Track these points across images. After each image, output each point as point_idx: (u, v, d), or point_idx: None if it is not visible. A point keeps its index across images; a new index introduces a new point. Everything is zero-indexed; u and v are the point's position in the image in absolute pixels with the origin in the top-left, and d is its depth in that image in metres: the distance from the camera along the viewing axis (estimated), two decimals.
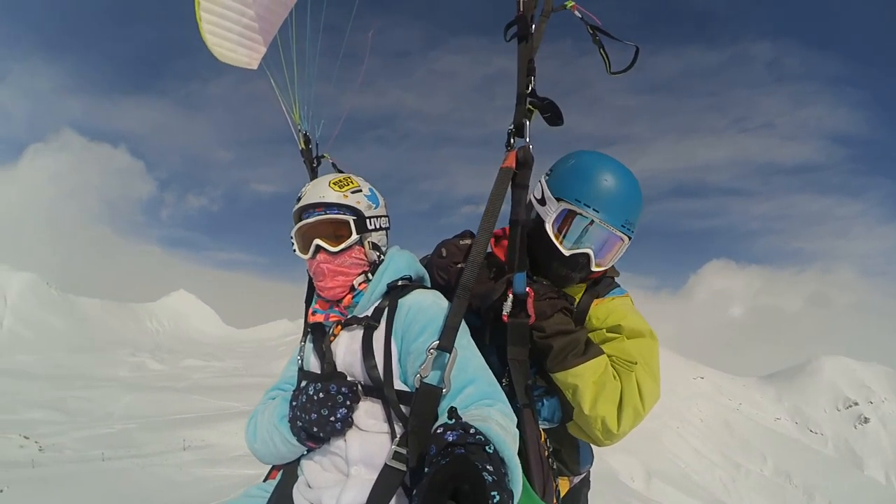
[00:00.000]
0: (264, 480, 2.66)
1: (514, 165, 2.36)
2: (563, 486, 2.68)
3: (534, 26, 2.50)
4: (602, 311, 2.61)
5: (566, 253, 2.56)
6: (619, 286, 2.77)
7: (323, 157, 3.62)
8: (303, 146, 3.64)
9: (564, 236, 2.59)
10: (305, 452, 2.42)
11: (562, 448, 2.63)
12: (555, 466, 2.54)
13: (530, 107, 2.44)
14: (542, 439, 2.40)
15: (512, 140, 2.44)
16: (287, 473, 2.49)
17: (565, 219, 2.59)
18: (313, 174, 3.61)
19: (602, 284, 2.72)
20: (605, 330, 2.56)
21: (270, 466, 2.68)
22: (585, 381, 2.32)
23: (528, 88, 2.44)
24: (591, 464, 2.85)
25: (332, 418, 2.16)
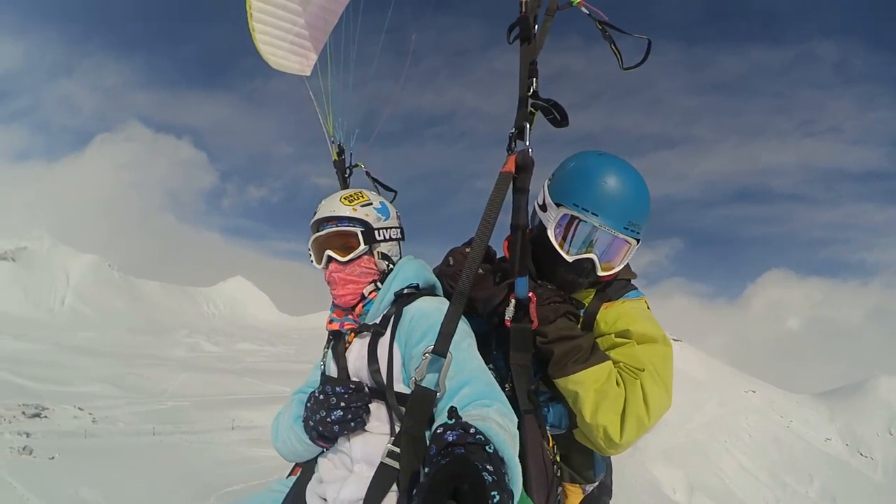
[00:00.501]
0: (287, 476, 2.85)
1: (513, 169, 2.36)
2: (575, 493, 2.65)
3: (537, 27, 2.50)
4: (611, 315, 2.60)
5: (569, 259, 2.56)
6: (634, 289, 2.76)
7: (357, 166, 3.73)
8: (335, 157, 3.78)
9: (568, 242, 2.59)
10: (322, 451, 2.58)
11: (571, 454, 2.62)
12: (559, 473, 2.52)
13: (532, 109, 2.44)
14: (550, 445, 2.44)
15: (513, 143, 2.44)
16: (306, 470, 2.70)
17: (567, 225, 2.58)
18: (344, 184, 3.75)
19: (614, 287, 2.71)
20: (613, 335, 2.55)
21: (293, 464, 2.85)
22: (586, 388, 2.33)
23: (529, 91, 2.44)
24: (605, 472, 2.81)
25: (329, 419, 2.31)
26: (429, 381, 2.11)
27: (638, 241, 2.60)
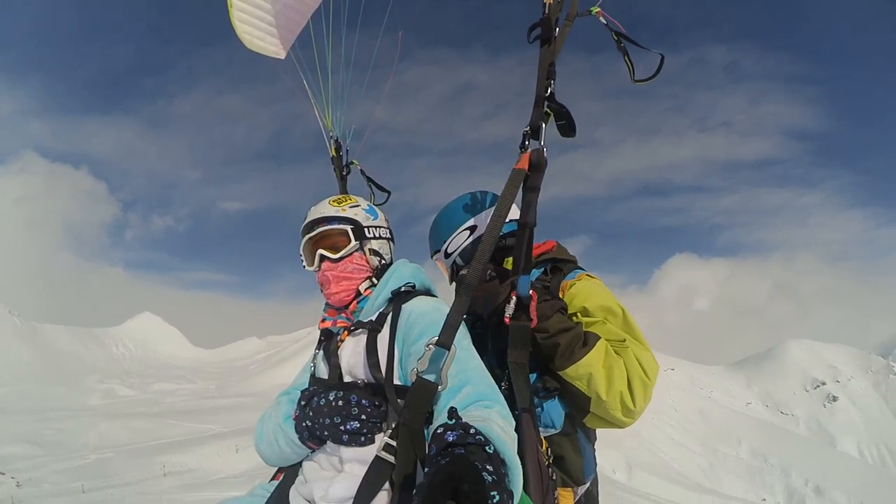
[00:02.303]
0: (269, 481, 2.75)
1: (526, 167, 2.36)
2: (567, 498, 2.62)
3: (557, 30, 2.49)
4: (566, 298, 2.64)
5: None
6: (577, 268, 2.82)
7: (352, 163, 3.73)
8: (333, 153, 3.76)
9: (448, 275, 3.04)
10: (308, 454, 2.49)
11: (564, 455, 2.60)
12: (554, 477, 2.50)
13: (548, 110, 2.43)
14: (543, 447, 2.40)
15: (527, 142, 2.44)
16: (289, 474, 2.58)
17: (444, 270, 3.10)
18: (342, 182, 3.73)
19: (555, 278, 2.75)
20: (577, 314, 2.60)
21: (276, 468, 2.76)
22: (596, 367, 2.35)
23: (547, 91, 2.44)
24: (595, 472, 2.80)
25: (343, 428, 2.22)
26: (430, 374, 2.06)
27: (461, 232, 2.99)
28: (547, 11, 2.48)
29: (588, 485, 2.72)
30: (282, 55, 3.92)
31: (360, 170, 3.66)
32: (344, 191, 3.75)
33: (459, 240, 3.00)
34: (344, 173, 3.74)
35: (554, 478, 2.47)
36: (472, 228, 2.99)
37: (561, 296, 2.64)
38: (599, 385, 2.33)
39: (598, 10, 2.52)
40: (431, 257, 3.11)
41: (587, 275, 2.74)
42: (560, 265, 2.79)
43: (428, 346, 2.09)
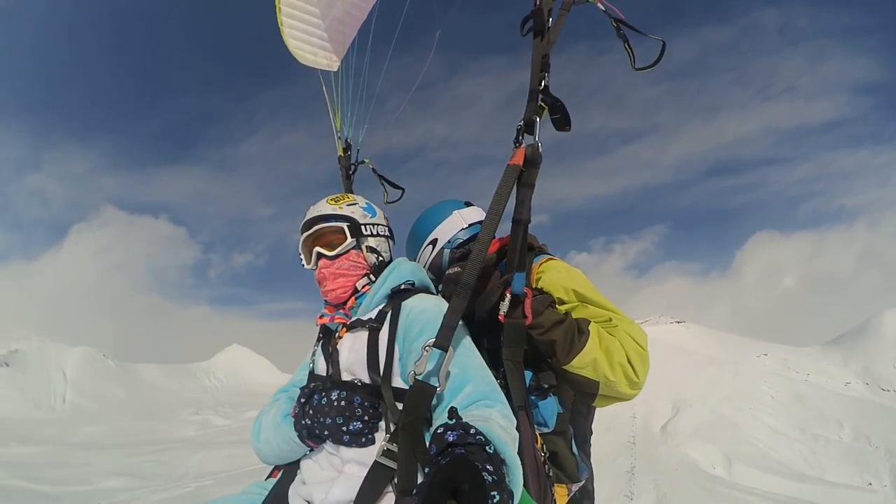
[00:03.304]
0: (266, 479, 2.75)
1: (521, 163, 2.37)
2: (561, 494, 2.67)
3: (552, 21, 2.51)
4: (540, 286, 2.66)
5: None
6: (537, 255, 2.83)
7: (363, 162, 3.86)
8: (340, 153, 3.88)
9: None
10: (307, 452, 2.49)
11: (559, 453, 2.65)
12: (551, 474, 2.55)
13: (542, 104, 2.45)
14: (539, 444, 2.44)
15: (521, 137, 2.47)
16: (287, 472, 2.59)
17: None
18: (348, 182, 3.88)
19: (528, 262, 2.73)
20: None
21: (272, 466, 2.78)
22: (597, 351, 2.36)
23: (541, 85, 2.46)
24: (589, 471, 2.86)
25: (345, 428, 2.23)
26: (428, 376, 2.10)
27: (424, 247, 3.25)
28: (539, 3, 2.51)
29: (583, 481, 2.80)
30: (335, 67, 4.02)
31: (372, 168, 3.78)
32: (349, 190, 3.90)
33: (425, 255, 3.21)
34: (350, 172, 3.87)
35: (551, 474, 2.55)
36: (434, 242, 3.19)
37: (533, 284, 2.66)
38: (605, 368, 2.37)
39: None
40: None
41: (549, 259, 2.76)
42: (532, 250, 2.81)
43: (425, 348, 2.12)
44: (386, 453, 2.13)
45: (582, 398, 2.53)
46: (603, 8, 2.55)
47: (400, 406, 2.18)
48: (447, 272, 2.86)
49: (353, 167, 3.87)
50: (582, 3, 2.57)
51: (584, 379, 2.40)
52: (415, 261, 3.13)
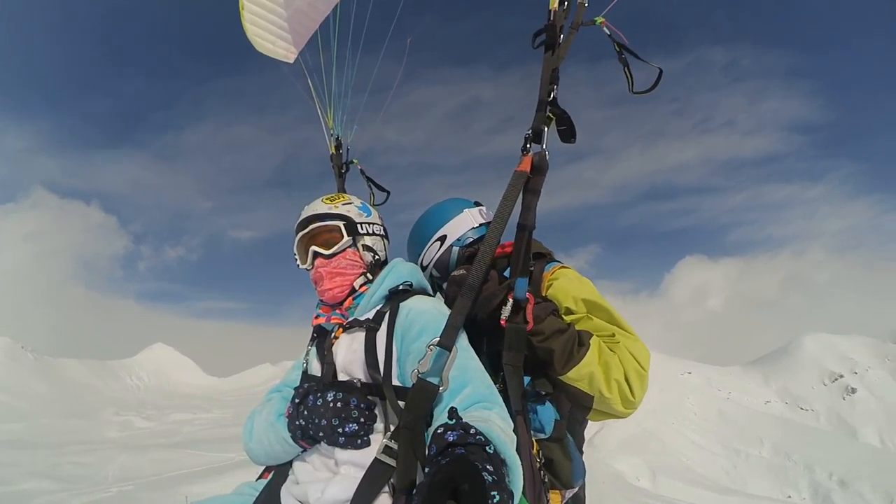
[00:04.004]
0: (257, 479, 2.71)
1: (528, 170, 2.41)
2: (555, 500, 2.64)
3: (562, 37, 2.56)
4: (550, 296, 2.66)
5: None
6: (549, 262, 2.84)
7: (352, 162, 3.79)
8: (333, 151, 3.82)
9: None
10: (299, 453, 2.47)
11: (554, 459, 2.61)
12: (546, 480, 2.53)
13: (550, 115, 2.49)
14: (535, 450, 2.41)
15: (528, 145, 2.49)
16: (278, 473, 2.55)
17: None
18: (341, 180, 3.81)
19: (536, 270, 2.75)
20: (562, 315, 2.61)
21: (264, 467, 2.74)
22: (595, 366, 2.36)
23: (550, 96, 2.49)
24: (584, 478, 2.83)
25: (341, 430, 2.21)
26: (431, 375, 2.08)
27: (431, 244, 3.17)
28: (552, 18, 2.55)
29: (576, 489, 2.76)
30: (291, 59, 4.01)
31: (360, 169, 3.74)
32: (342, 189, 3.84)
33: (432, 251, 3.16)
34: (343, 171, 3.81)
35: (546, 480, 2.50)
36: (443, 238, 3.15)
37: (543, 291, 2.67)
38: (601, 383, 2.36)
39: (603, 20, 2.63)
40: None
41: (561, 267, 2.77)
42: (542, 258, 2.82)
43: (429, 346, 2.11)
44: (386, 451, 2.13)
45: (577, 410, 2.57)
46: (608, 32, 2.63)
47: (401, 403, 2.18)
48: (452, 273, 2.77)
49: (345, 166, 3.83)
50: (590, 25, 2.64)
51: (579, 391, 2.42)
52: (417, 256, 3.19)
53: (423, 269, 3.16)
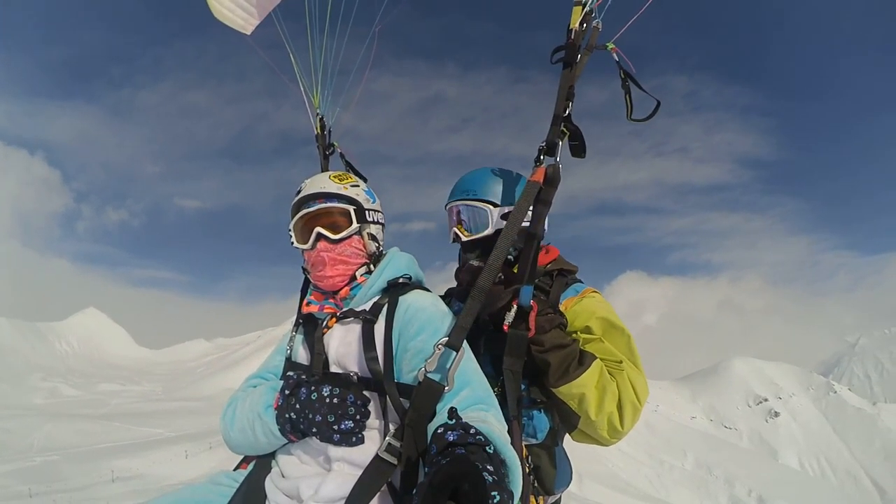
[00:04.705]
0: (235, 469, 2.61)
1: (541, 180, 2.44)
2: None
3: (578, 56, 2.60)
4: (570, 315, 2.63)
5: (451, 241, 2.93)
6: (577, 282, 2.83)
7: (334, 145, 3.67)
8: (318, 131, 3.69)
9: (449, 232, 2.96)
10: (285, 445, 2.40)
11: (541, 466, 2.62)
12: (535, 484, 2.57)
13: (564, 129, 2.53)
14: (525, 455, 2.44)
15: (542, 157, 2.53)
16: (260, 465, 2.45)
17: (448, 220, 2.98)
18: (325, 160, 3.68)
19: (557, 284, 2.76)
20: (577, 332, 2.60)
21: (242, 456, 2.62)
22: (589, 388, 2.35)
23: (565, 112, 2.53)
24: (568, 485, 2.82)
25: (336, 427, 2.13)
26: (437, 375, 2.08)
27: (487, 202, 2.82)
28: (573, 37, 2.60)
29: (558, 496, 2.82)
30: (248, 31, 3.84)
31: (340, 153, 3.62)
32: (326, 170, 3.65)
33: (492, 216, 2.86)
34: (328, 152, 3.67)
35: (536, 485, 2.58)
36: (505, 216, 2.89)
37: (563, 310, 2.64)
38: (590, 405, 2.37)
39: (614, 47, 2.67)
40: (446, 206, 3.00)
41: (592, 291, 2.74)
42: (563, 275, 2.82)
43: (437, 346, 2.11)
44: (388, 448, 2.08)
45: (563, 425, 2.58)
46: (617, 59, 2.67)
47: (404, 401, 2.16)
48: (470, 262, 2.76)
49: (330, 147, 3.69)
50: (602, 49, 2.67)
51: (567, 408, 2.42)
52: (473, 195, 2.91)
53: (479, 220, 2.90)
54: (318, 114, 3.70)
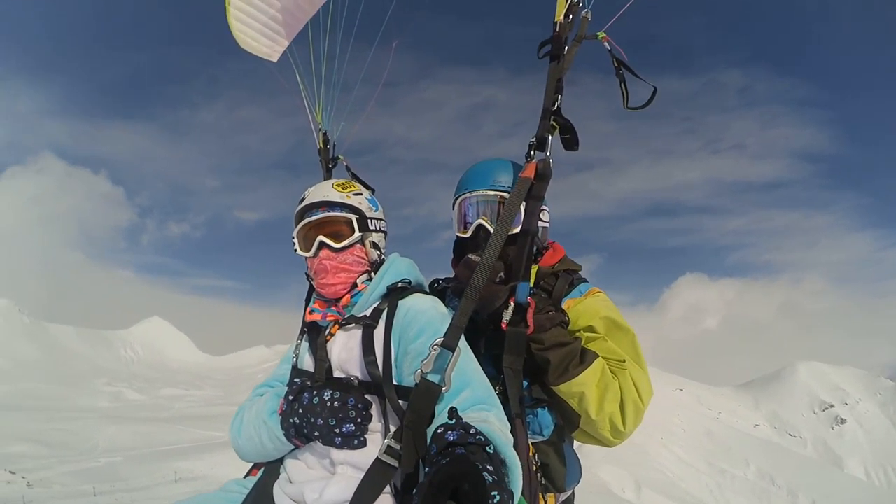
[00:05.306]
0: (245, 476, 2.66)
1: (532, 176, 2.46)
2: (550, 503, 2.64)
3: (566, 48, 2.61)
4: (573, 314, 2.61)
5: (467, 234, 2.78)
6: (583, 281, 2.80)
7: (338, 158, 3.71)
8: (321, 145, 3.73)
9: (462, 224, 2.84)
10: (292, 451, 2.43)
11: (549, 464, 2.60)
12: (543, 482, 2.55)
13: (554, 123, 2.55)
14: (531, 453, 2.43)
15: (532, 152, 2.56)
16: (268, 471, 2.49)
17: (457, 211, 2.87)
18: (328, 174, 3.71)
19: (561, 282, 2.72)
20: (581, 331, 2.58)
21: (252, 464, 2.67)
22: (589, 387, 2.33)
23: (554, 105, 2.55)
24: (578, 482, 2.82)
25: (337, 430, 2.15)
26: (434, 375, 2.08)
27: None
28: (557, 30, 2.61)
29: (569, 492, 2.78)
30: (274, 58, 3.93)
31: (346, 165, 3.63)
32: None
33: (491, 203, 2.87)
34: (330, 166, 3.71)
35: (543, 483, 2.54)
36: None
37: (566, 309, 2.61)
38: (590, 405, 2.33)
39: (605, 35, 2.68)
40: (455, 200, 2.94)
41: (596, 290, 2.72)
42: (568, 274, 2.78)
43: (433, 347, 2.10)
44: (388, 451, 2.10)
45: (566, 425, 2.53)
46: (609, 47, 2.68)
47: (402, 403, 2.17)
48: (469, 255, 2.66)
49: (332, 161, 3.74)
50: (592, 39, 2.69)
51: (568, 407, 2.40)
52: (469, 186, 2.89)
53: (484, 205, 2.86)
54: (320, 129, 3.75)
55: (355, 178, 3.44)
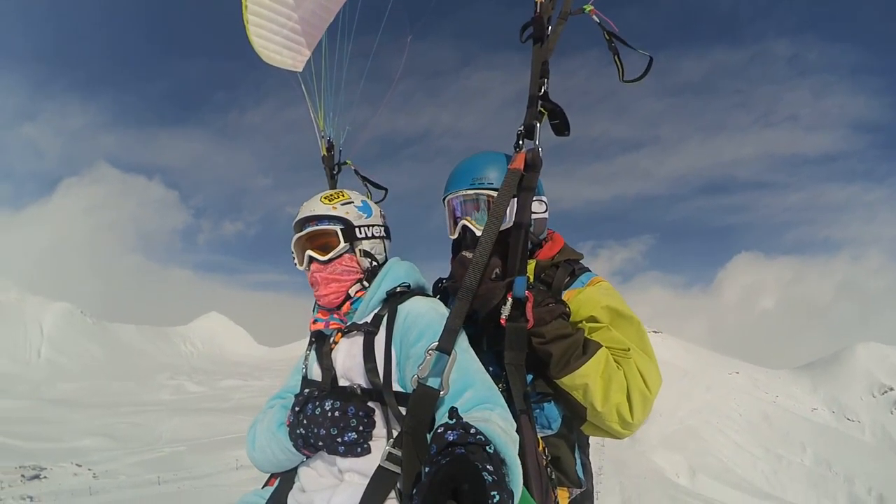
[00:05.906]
0: (263, 487, 2.71)
1: (522, 167, 2.40)
2: (563, 497, 2.59)
3: (550, 28, 2.54)
4: (574, 303, 2.55)
5: (454, 236, 2.80)
6: (585, 271, 2.75)
7: (345, 163, 3.74)
8: (324, 152, 3.78)
9: (450, 226, 2.83)
10: (304, 460, 2.45)
11: (561, 457, 2.58)
12: (553, 476, 2.50)
13: (542, 109, 2.48)
14: (541, 447, 2.38)
15: (521, 142, 2.51)
16: (284, 480, 2.54)
17: (447, 215, 2.86)
18: (332, 181, 3.77)
19: (562, 271, 2.69)
20: (583, 321, 2.53)
21: (269, 474, 2.71)
22: (593, 378, 2.29)
23: (540, 90, 2.48)
24: (592, 476, 2.79)
25: (340, 439, 2.18)
26: (431, 380, 2.08)
27: (493, 189, 2.70)
28: (538, 10, 2.55)
29: (584, 486, 2.73)
30: (299, 68, 3.95)
31: (355, 170, 3.61)
32: (334, 188, 3.67)
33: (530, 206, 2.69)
34: (335, 173, 3.76)
35: (553, 477, 2.50)
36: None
37: (567, 300, 2.56)
38: (595, 397, 2.30)
39: (592, 8, 2.58)
40: (444, 199, 2.90)
41: (598, 279, 2.68)
42: (569, 264, 2.74)
43: (428, 351, 2.11)
44: (389, 457, 2.11)
45: (573, 418, 2.50)
46: (598, 20, 2.59)
47: (402, 409, 2.18)
48: (463, 252, 2.67)
49: (337, 168, 3.77)
50: (579, 14, 2.59)
51: (573, 399, 2.37)
52: (473, 184, 2.81)
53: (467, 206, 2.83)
54: (323, 136, 3.78)
55: (364, 180, 3.48)
